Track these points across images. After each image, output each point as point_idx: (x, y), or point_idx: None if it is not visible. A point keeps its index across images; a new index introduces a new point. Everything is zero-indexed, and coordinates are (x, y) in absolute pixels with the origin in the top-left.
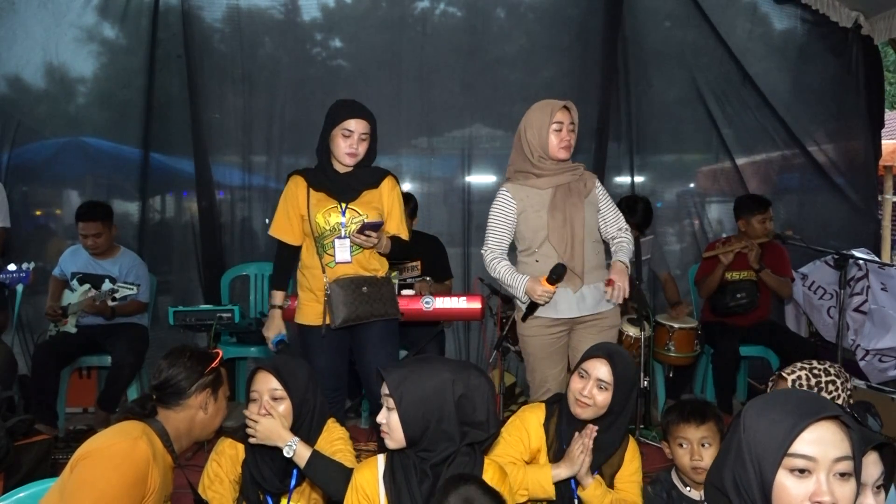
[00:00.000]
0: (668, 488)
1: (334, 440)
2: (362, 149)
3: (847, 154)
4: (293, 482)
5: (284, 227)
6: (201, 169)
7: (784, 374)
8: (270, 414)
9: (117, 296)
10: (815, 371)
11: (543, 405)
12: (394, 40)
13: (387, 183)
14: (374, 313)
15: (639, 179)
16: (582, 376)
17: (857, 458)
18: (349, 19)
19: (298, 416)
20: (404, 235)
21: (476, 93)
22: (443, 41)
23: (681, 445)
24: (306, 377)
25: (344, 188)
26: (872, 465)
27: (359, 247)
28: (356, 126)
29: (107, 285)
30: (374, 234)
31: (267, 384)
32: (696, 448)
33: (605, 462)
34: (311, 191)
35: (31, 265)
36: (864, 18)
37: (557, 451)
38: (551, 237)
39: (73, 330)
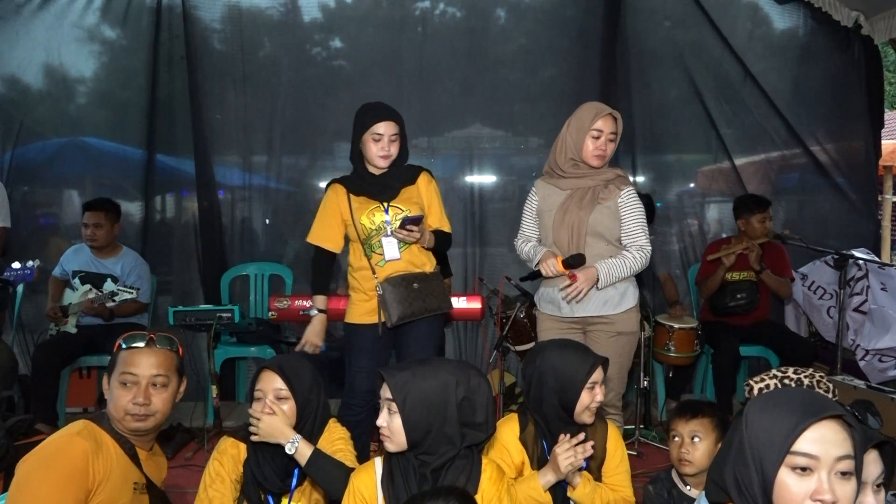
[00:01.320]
0: (668, 487)
1: (335, 440)
2: (394, 150)
3: (847, 154)
4: (294, 482)
5: (324, 234)
6: (202, 169)
7: (752, 382)
8: (273, 412)
9: (117, 298)
10: (786, 381)
11: (515, 417)
12: (394, 41)
13: (423, 178)
14: (428, 308)
15: (639, 179)
16: (591, 389)
17: (858, 457)
18: (349, 19)
19: (301, 416)
20: (447, 228)
21: (476, 93)
22: (443, 42)
23: (674, 438)
24: (310, 378)
25: (383, 188)
26: (872, 464)
27: (404, 242)
28: (385, 129)
29: (109, 284)
30: (415, 228)
31: (272, 383)
32: (686, 441)
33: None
34: (352, 196)
35: (36, 263)
36: (865, 18)
37: (541, 460)
38: (555, 237)
39: (73, 330)
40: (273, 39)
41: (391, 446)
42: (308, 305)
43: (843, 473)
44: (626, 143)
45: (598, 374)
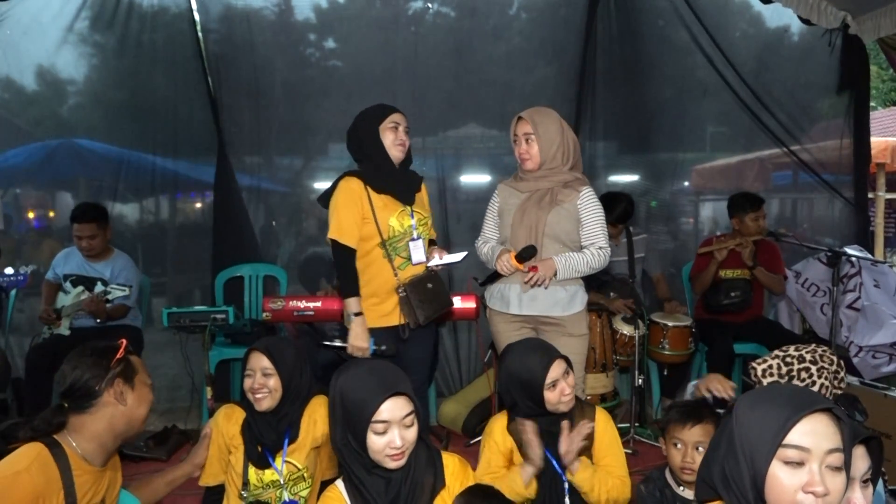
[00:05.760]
0: (661, 487)
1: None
2: (408, 142)
3: (838, 152)
4: (286, 441)
5: (352, 231)
6: (195, 170)
7: (754, 365)
8: (266, 387)
9: (110, 297)
10: (788, 359)
11: (506, 411)
12: (387, 41)
13: (423, 185)
14: (442, 306)
15: (633, 178)
16: (555, 385)
17: (847, 451)
18: (342, 20)
19: (287, 389)
20: (434, 235)
21: (470, 93)
22: (436, 41)
23: (675, 445)
24: (293, 358)
25: (405, 190)
26: (860, 459)
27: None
28: (400, 119)
29: (99, 287)
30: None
31: (259, 363)
32: (690, 450)
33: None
34: (373, 193)
35: (29, 269)
36: (852, 18)
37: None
38: (512, 237)
39: (67, 332)
40: (267, 40)
41: (400, 462)
42: (302, 306)
43: (834, 467)
44: (622, 141)
45: (555, 371)
